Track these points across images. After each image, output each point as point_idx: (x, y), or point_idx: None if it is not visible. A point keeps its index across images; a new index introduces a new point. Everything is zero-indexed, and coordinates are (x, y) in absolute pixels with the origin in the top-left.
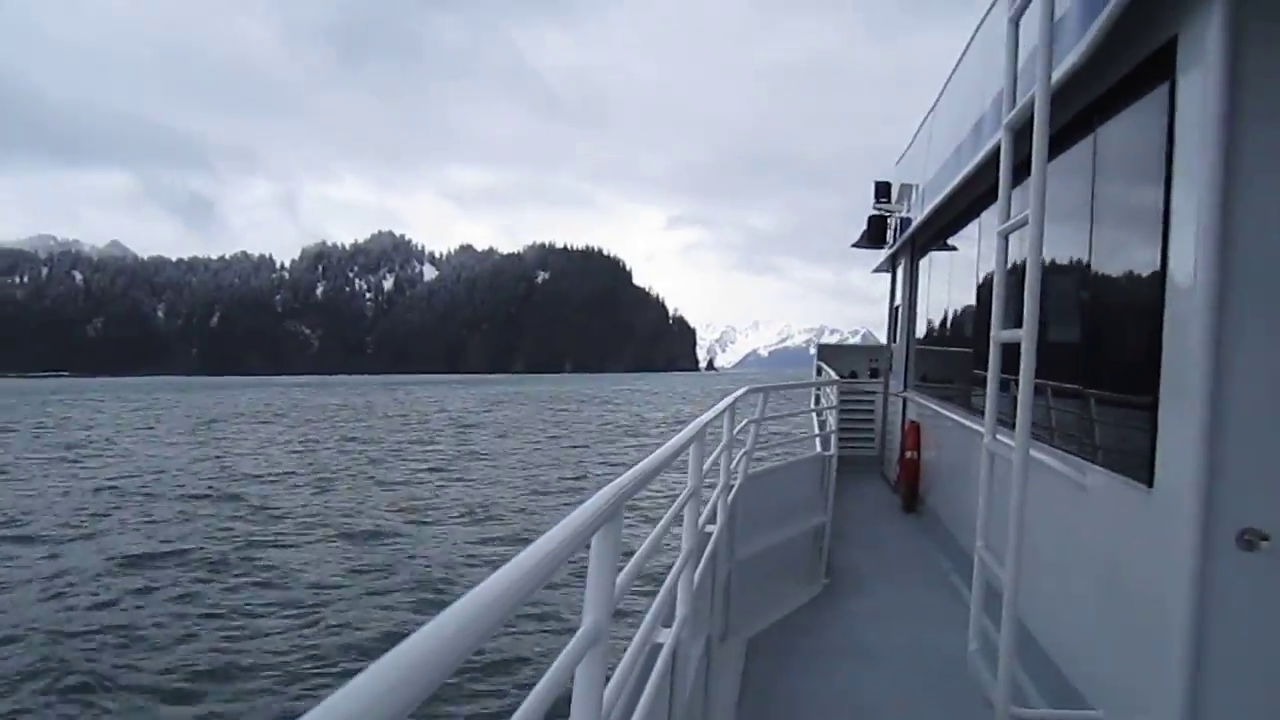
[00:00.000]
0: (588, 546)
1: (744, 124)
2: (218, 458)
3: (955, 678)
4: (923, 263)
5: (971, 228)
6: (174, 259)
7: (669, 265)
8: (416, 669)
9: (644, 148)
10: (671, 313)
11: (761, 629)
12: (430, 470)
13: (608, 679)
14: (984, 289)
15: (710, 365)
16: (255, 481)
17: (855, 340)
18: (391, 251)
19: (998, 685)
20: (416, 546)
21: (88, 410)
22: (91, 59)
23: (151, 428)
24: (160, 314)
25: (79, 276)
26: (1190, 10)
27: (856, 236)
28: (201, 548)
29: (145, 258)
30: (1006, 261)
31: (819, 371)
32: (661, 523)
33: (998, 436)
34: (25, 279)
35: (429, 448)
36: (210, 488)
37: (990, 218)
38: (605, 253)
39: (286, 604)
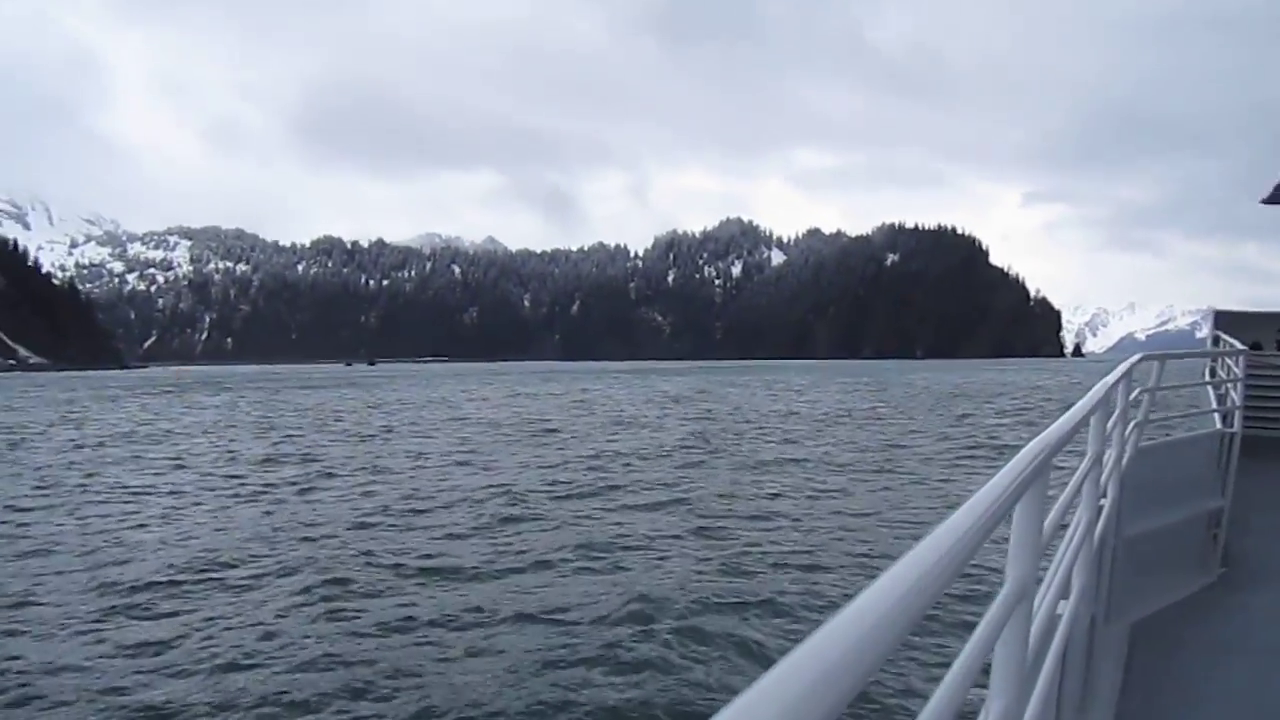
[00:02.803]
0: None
1: (1109, 86)
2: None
3: None
4: None
5: None
6: (538, 251)
7: (1027, 245)
8: (864, 638)
9: (995, 119)
10: (1033, 294)
11: (1146, 614)
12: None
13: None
14: None
15: (1077, 351)
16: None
17: None
18: (739, 237)
19: None
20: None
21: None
22: (447, 67)
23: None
24: (526, 303)
25: (457, 270)
26: None
27: (1268, 192)
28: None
29: (513, 250)
30: None
31: (1215, 341)
32: (1068, 488)
33: None
34: (413, 273)
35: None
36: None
37: None
38: (958, 231)
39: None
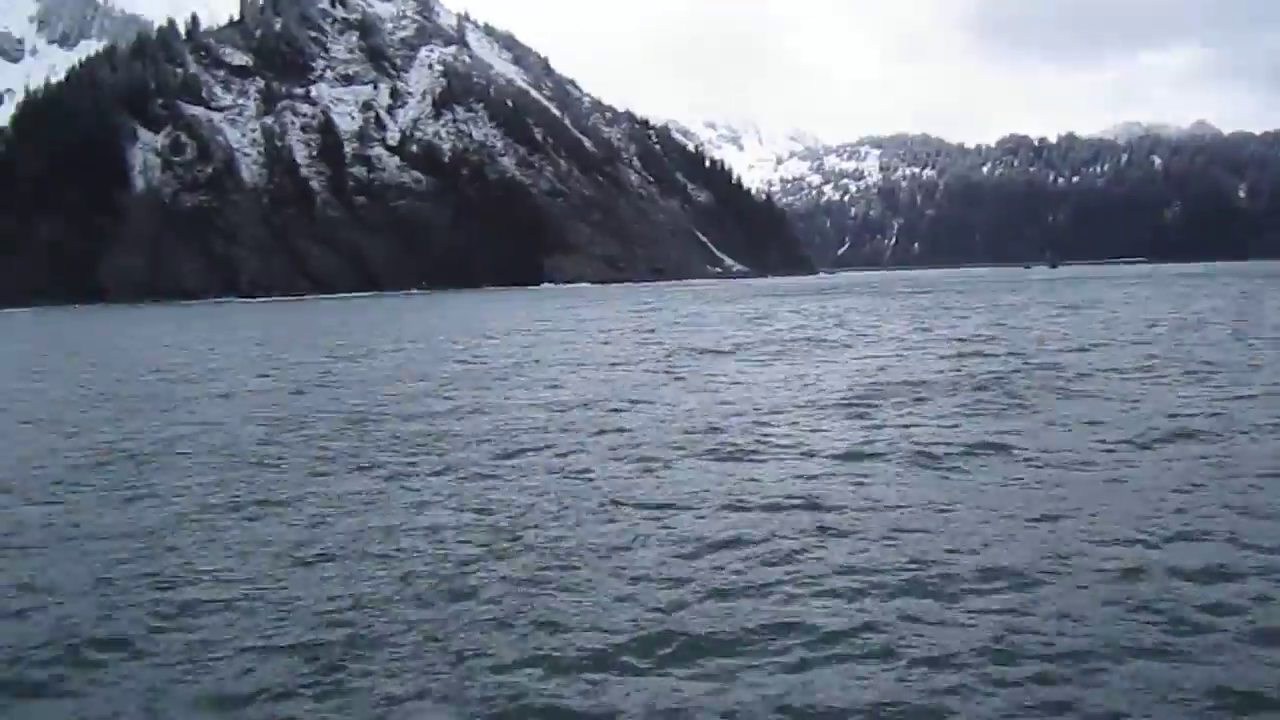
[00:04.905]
0: None
1: None
2: None
3: None
4: None
5: None
6: (1258, 133)
7: None
8: None
9: None
10: None
11: None
12: None
13: None
14: None
15: None
16: None
17: None
18: None
19: None
20: None
21: None
22: None
23: None
24: (1242, 194)
25: (1157, 161)
26: None
27: None
28: None
29: (1226, 134)
30: None
31: None
32: None
33: None
34: (1105, 167)
35: None
36: None
37: None
38: None
39: None
